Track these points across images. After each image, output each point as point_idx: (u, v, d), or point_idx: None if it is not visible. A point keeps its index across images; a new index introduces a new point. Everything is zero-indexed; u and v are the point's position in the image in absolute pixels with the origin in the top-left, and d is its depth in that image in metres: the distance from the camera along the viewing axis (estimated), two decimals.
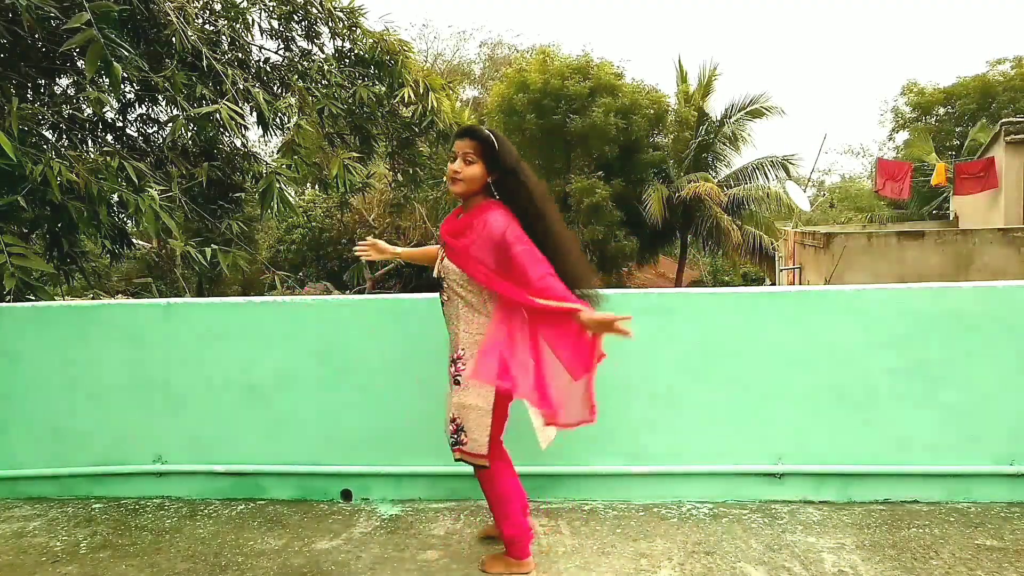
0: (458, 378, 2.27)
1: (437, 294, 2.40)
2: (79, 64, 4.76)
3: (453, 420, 2.28)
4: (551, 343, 2.24)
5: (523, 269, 2.12)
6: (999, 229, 10.99)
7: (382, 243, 2.76)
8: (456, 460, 2.32)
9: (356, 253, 2.76)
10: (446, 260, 2.29)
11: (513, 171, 2.23)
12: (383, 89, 6.10)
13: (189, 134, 5.16)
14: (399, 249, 2.75)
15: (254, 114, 5.48)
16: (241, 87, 5.02)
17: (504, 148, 2.22)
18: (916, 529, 2.62)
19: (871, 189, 23.40)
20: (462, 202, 2.34)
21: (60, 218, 4.18)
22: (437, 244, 2.46)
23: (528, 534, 2.38)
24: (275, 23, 6.01)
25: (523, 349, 2.22)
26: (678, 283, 20.04)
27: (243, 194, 6.23)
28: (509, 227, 2.16)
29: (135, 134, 5.90)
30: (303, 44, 6.20)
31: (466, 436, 2.26)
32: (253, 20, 5.78)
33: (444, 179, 2.38)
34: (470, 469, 2.22)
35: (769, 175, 18.74)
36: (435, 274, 2.35)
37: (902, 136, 27.10)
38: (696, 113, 18.70)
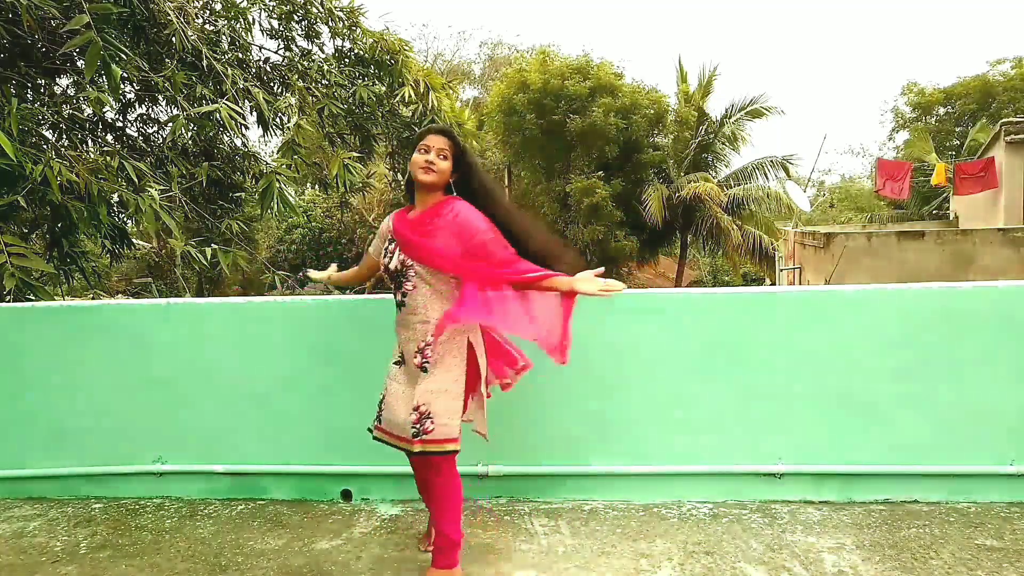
0: (425, 365, 2.22)
1: (393, 291, 2.36)
2: (79, 64, 4.76)
3: (416, 409, 2.19)
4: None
5: (496, 251, 2.21)
6: (999, 229, 10.98)
7: (312, 272, 2.85)
8: (416, 453, 2.18)
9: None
10: (406, 257, 2.28)
11: (471, 166, 2.35)
12: (383, 89, 6.10)
13: (189, 134, 5.17)
14: (327, 274, 2.80)
15: (254, 114, 5.48)
16: (241, 87, 5.02)
17: (469, 150, 2.39)
18: (916, 529, 2.62)
19: (871, 189, 23.42)
20: (411, 200, 2.40)
21: (60, 218, 4.18)
22: (376, 249, 2.49)
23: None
24: (275, 23, 6.01)
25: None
26: (678, 283, 20.05)
27: (243, 194, 6.24)
28: (477, 216, 2.24)
29: (135, 134, 5.91)
30: (303, 44, 6.21)
31: (432, 423, 2.17)
32: (253, 20, 5.78)
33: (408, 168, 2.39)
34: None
35: (769, 175, 18.78)
36: (392, 269, 2.32)
37: (902, 136, 27.14)
38: (696, 113, 18.72)
